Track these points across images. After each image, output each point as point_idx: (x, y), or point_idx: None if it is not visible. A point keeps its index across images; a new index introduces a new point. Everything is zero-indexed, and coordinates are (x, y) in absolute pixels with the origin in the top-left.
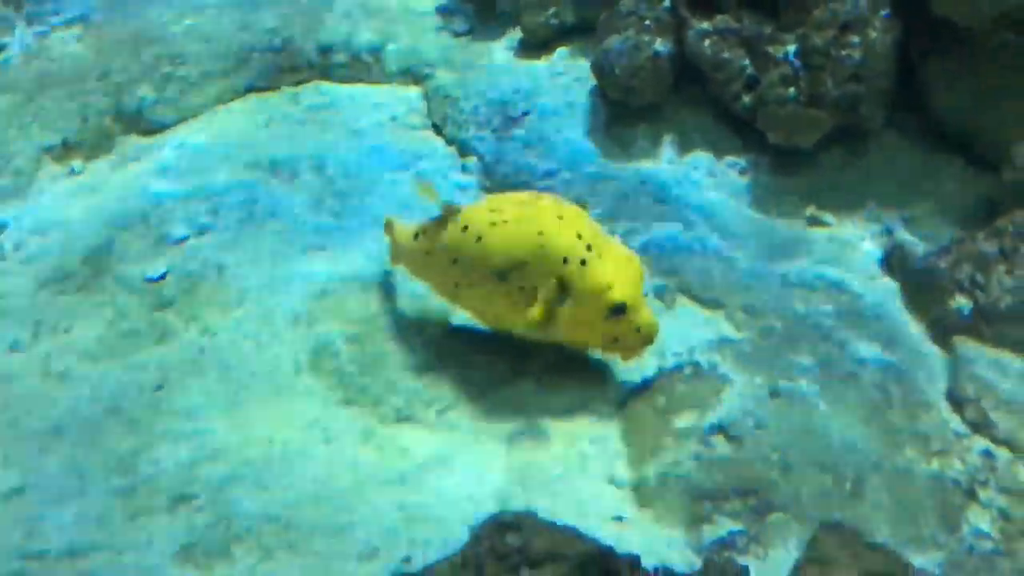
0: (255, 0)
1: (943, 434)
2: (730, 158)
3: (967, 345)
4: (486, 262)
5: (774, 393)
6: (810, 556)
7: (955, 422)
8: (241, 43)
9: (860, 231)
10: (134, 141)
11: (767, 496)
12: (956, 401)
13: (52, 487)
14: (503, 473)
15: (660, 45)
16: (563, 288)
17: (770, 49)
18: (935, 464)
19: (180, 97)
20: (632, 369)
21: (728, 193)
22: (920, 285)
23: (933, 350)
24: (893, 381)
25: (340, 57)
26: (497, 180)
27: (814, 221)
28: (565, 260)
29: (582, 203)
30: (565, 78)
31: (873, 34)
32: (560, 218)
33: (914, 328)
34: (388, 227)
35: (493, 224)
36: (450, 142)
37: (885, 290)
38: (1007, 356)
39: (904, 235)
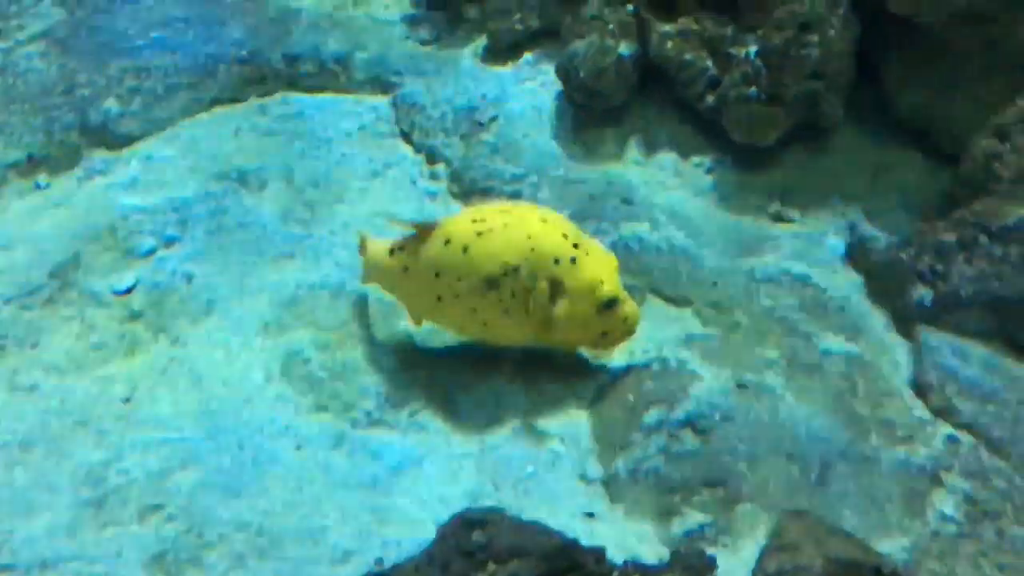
0: (221, 12)
1: (908, 421)
2: (695, 157)
3: (930, 334)
4: (475, 271)
5: (741, 386)
6: (774, 544)
7: (919, 409)
8: (208, 55)
9: (823, 226)
10: (101, 155)
11: (735, 487)
12: (920, 389)
13: (21, 500)
14: (475, 473)
15: (624, 48)
16: (554, 288)
17: (732, 50)
18: (900, 451)
19: (146, 110)
20: (602, 367)
21: (694, 192)
22: (883, 277)
23: (897, 340)
24: (858, 371)
25: (307, 67)
26: (466, 186)
27: (778, 217)
28: (556, 260)
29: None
30: (531, 83)
31: (831, 32)
32: (544, 221)
33: (878, 319)
34: (361, 245)
35: (479, 234)
36: (418, 149)
37: (849, 283)
38: (969, 343)
39: (866, 228)
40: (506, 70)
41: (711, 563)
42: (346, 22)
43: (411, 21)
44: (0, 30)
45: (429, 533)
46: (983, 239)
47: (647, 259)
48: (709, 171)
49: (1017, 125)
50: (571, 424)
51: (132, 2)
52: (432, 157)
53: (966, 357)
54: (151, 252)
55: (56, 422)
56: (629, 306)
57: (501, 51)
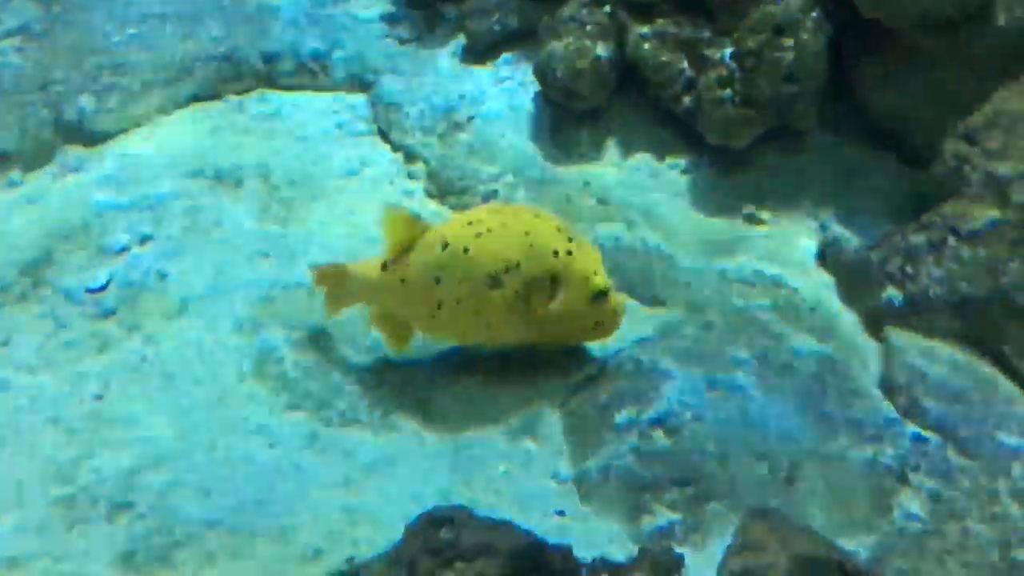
0: (199, 9)
1: (876, 421)
2: (671, 159)
3: (899, 334)
4: (477, 271)
5: (711, 386)
6: (739, 543)
7: (888, 409)
8: (185, 52)
9: (796, 227)
10: (75, 152)
11: (705, 486)
12: (888, 389)
13: None
14: (448, 473)
15: (601, 49)
16: (554, 281)
17: (707, 52)
18: (868, 450)
19: (122, 107)
20: (574, 366)
21: (670, 193)
22: (854, 278)
23: (867, 340)
24: (828, 371)
25: (286, 65)
26: (443, 185)
27: (752, 219)
28: (555, 253)
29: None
30: (509, 83)
31: (805, 36)
32: (537, 216)
33: (848, 320)
34: (327, 276)
35: (478, 235)
36: (396, 148)
37: (821, 284)
38: (937, 344)
39: (838, 230)
40: (484, 70)
41: (679, 560)
42: (325, 20)
43: (390, 20)
44: None
45: (401, 532)
46: (952, 240)
47: (622, 259)
48: (684, 172)
49: (985, 129)
50: (544, 424)
51: None
52: (409, 156)
53: (934, 357)
54: (125, 249)
55: (26, 419)
56: (617, 296)
57: (479, 51)
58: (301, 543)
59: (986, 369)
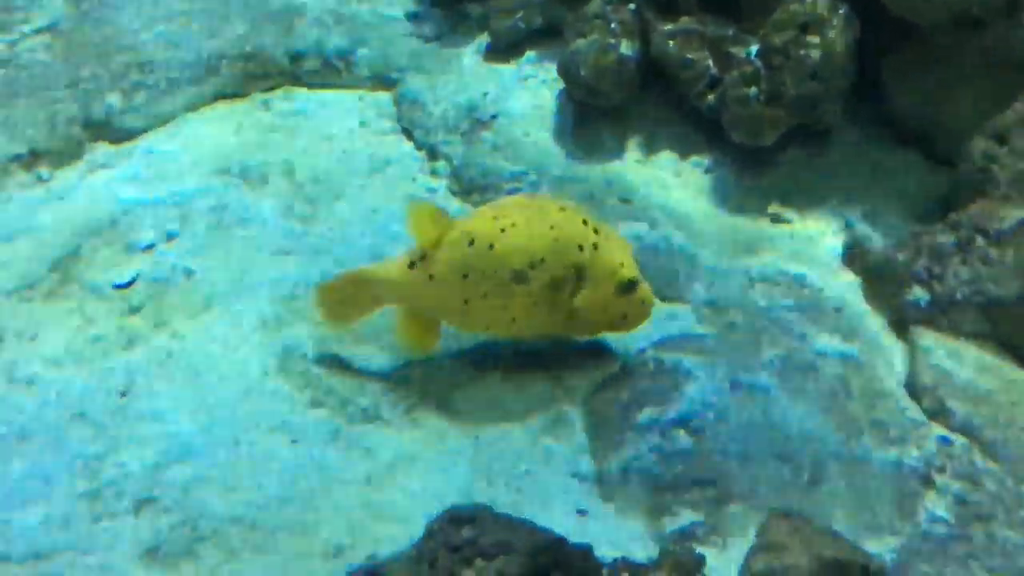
0: (225, 7)
1: (901, 422)
2: (695, 157)
3: (925, 335)
4: (503, 267)
5: (735, 386)
6: (761, 543)
7: (913, 410)
8: (211, 50)
9: (821, 227)
10: (103, 149)
11: (726, 487)
12: (914, 390)
13: (17, 491)
14: (469, 470)
15: (626, 47)
16: (580, 275)
17: (733, 50)
18: (892, 452)
19: (149, 105)
20: (597, 365)
21: (693, 192)
22: (879, 278)
23: (892, 341)
24: (852, 372)
25: (311, 63)
26: (465, 183)
27: (776, 218)
28: (580, 248)
29: None
30: (533, 81)
31: (831, 34)
32: (563, 210)
33: (874, 320)
34: (346, 285)
35: (503, 230)
36: (419, 146)
37: (846, 284)
38: (963, 345)
39: (864, 230)
40: (508, 68)
41: (700, 561)
42: (349, 18)
43: (414, 18)
44: (4, 23)
45: (423, 529)
46: (979, 241)
47: (645, 258)
48: (708, 171)
49: (1014, 128)
50: (565, 422)
51: None
52: (433, 154)
53: (961, 359)
54: (151, 246)
55: (53, 414)
56: (645, 287)
57: (503, 49)
58: (323, 539)
59: (1013, 371)
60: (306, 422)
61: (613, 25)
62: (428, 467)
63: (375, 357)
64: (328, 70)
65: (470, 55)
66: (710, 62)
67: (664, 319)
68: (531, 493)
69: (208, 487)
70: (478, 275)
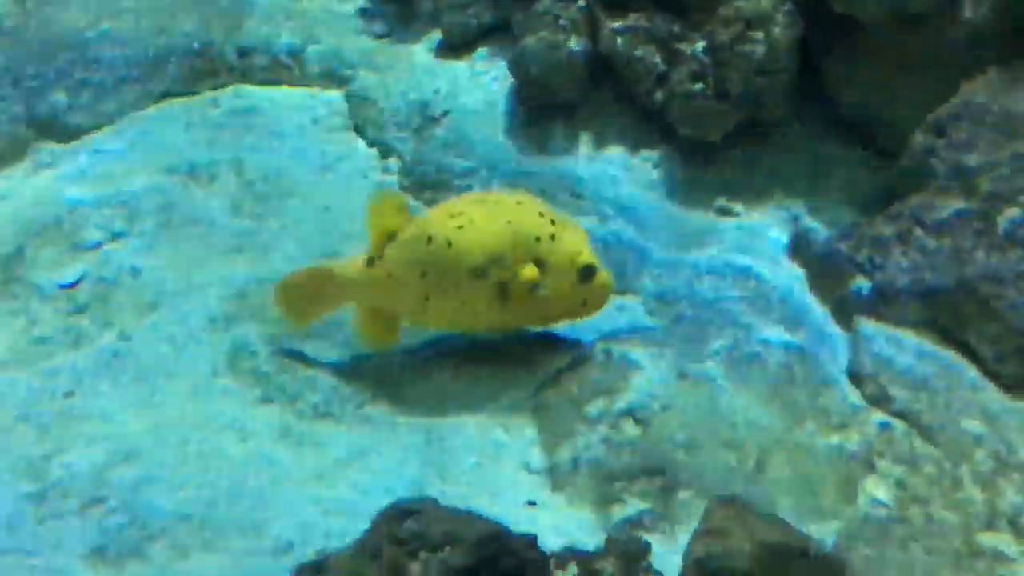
0: (173, 4)
1: (843, 409)
2: (644, 152)
3: (867, 324)
4: (461, 264)
5: (681, 376)
6: (704, 528)
7: (855, 397)
8: (158, 47)
9: (767, 219)
10: (49, 147)
11: (674, 475)
12: (856, 377)
13: None
14: (420, 465)
15: (575, 44)
16: (539, 267)
17: (680, 46)
18: (835, 438)
19: (95, 103)
20: (546, 358)
21: (643, 186)
22: (823, 268)
23: (836, 330)
24: (797, 361)
25: (260, 60)
26: (417, 179)
27: (724, 211)
28: (537, 239)
29: None
30: (485, 78)
31: (776, 30)
32: (519, 203)
33: (818, 310)
34: (309, 279)
35: (460, 227)
36: (371, 143)
37: (791, 275)
38: (904, 333)
39: (809, 222)
40: (459, 64)
41: (646, 548)
42: (299, 14)
43: (365, 14)
44: None
45: None
46: (918, 231)
47: (595, 252)
48: (657, 166)
49: (952, 121)
50: (515, 415)
51: None
52: (384, 151)
53: (901, 346)
54: (98, 245)
55: None
56: (604, 272)
57: (455, 46)
58: (274, 535)
59: (951, 357)
60: (256, 419)
61: (562, 22)
62: (379, 462)
63: (326, 353)
64: (278, 67)
65: (422, 52)
66: (658, 58)
67: (613, 311)
68: (481, 486)
69: (156, 486)
70: (437, 273)
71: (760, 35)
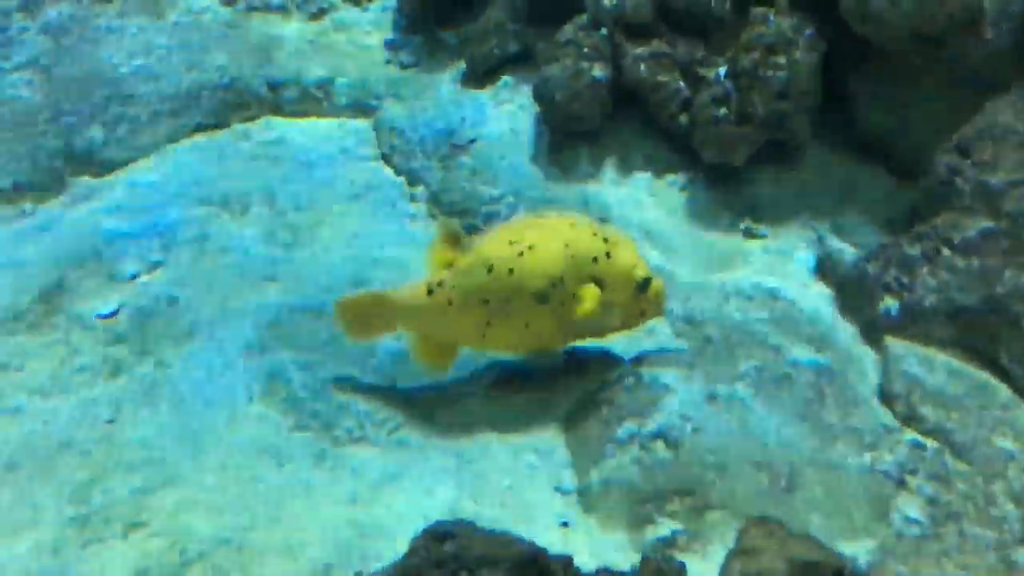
0: (204, 39)
1: (874, 429)
2: (669, 176)
3: (896, 344)
4: (524, 290)
5: (711, 398)
6: (738, 548)
7: (886, 417)
8: (191, 82)
9: (793, 241)
10: (85, 181)
11: (705, 496)
12: (886, 397)
13: (6, 520)
14: (454, 487)
15: (598, 71)
16: (597, 284)
17: (702, 71)
18: (867, 457)
19: (130, 137)
20: (577, 381)
21: (668, 210)
22: (851, 289)
23: (865, 350)
24: (826, 381)
25: (290, 92)
26: (445, 207)
27: (749, 233)
28: (595, 260)
29: None
30: (509, 106)
31: (798, 54)
32: (572, 226)
33: (846, 330)
34: (361, 304)
35: (520, 254)
36: (399, 172)
37: (818, 296)
38: (933, 352)
39: (835, 243)
40: (484, 93)
41: (680, 568)
42: (327, 47)
43: (392, 46)
44: None
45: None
46: (945, 251)
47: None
48: (682, 189)
49: (976, 141)
50: (547, 438)
51: (116, 31)
52: (412, 179)
53: (931, 365)
54: (135, 276)
55: (41, 443)
56: (657, 282)
57: (479, 75)
58: (310, 558)
59: (982, 375)
60: (292, 445)
61: (585, 50)
62: (413, 485)
63: (359, 380)
64: (307, 99)
65: (447, 81)
66: (681, 84)
67: (642, 335)
68: (515, 508)
69: (195, 511)
70: (499, 300)
71: (782, 59)
